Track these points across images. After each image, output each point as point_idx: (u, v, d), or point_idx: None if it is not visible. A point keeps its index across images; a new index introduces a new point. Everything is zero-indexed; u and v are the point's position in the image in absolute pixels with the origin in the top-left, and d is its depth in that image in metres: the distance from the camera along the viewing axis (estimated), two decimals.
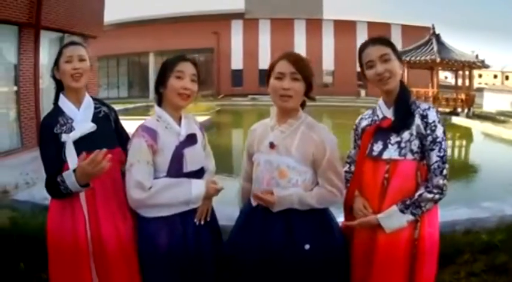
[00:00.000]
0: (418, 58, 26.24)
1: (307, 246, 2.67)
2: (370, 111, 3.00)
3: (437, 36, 27.07)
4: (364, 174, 2.81)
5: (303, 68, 2.71)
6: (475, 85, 43.65)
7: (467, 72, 28.13)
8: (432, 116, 2.69)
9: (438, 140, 2.66)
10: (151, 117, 2.95)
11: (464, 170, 13.03)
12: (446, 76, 50.88)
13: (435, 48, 26.01)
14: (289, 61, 2.70)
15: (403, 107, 2.75)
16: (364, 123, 2.97)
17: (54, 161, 2.85)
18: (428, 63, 26.56)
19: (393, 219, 2.63)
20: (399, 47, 28.21)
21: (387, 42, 2.79)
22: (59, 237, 2.88)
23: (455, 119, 23.91)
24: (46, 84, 13.46)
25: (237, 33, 44.58)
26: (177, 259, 2.78)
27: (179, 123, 2.94)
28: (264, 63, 40.47)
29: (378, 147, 2.78)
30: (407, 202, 2.62)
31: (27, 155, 9.94)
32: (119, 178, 2.92)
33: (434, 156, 2.65)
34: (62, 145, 2.86)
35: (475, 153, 16.49)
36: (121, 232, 2.87)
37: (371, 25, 43.60)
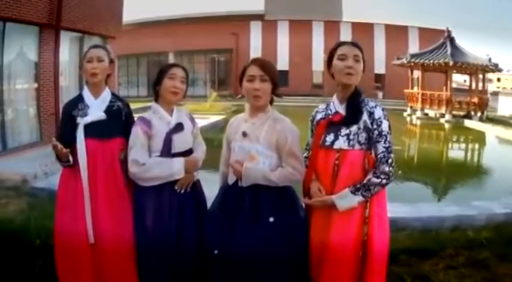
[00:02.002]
0: (432, 61, 26.38)
1: (271, 219, 3.14)
2: (324, 106, 3.43)
3: (452, 39, 27.15)
4: (318, 162, 3.24)
5: (269, 71, 3.22)
6: (493, 89, 43.30)
7: (480, 76, 28.18)
8: (378, 113, 3.14)
9: (384, 133, 3.10)
10: (149, 111, 3.61)
11: (472, 172, 13.36)
12: (465, 80, 50.47)
13: (449, 51, 26.11)
14: (257, 66, 3.21)
15: (354, 105, 3.19)
16: (318, 116, 3.40)
17: (66, 136, 3.54)
18: (442, 66, 26.69)
19: (346, 199, 3.05)
20: (416, 49, 28.28)
21: (360, 49, 3.23)
22: (61, 214, 3.60)
23: (467, 123, 24.09)
24: (66, 82, 13.91)
25: (255, 35, 44.67)
26: (163, 223, 3.40)
27: (171, 115, 3.58)
28: (282, 64, 40.64)
29: (330, 138, 3.21)
30: (358, 185, 3.04)
31: (47, 149, 10.14)
32: (117, 161, 3.55)
33: (380, 147, 3.09)
34: (76, 126, 3.52)
35: (486, 156, 16.76)
36: (116, 210, 3.52)
37: (388, 27, 43.48)
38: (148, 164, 3.39)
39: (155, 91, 3.60)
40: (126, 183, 3.54)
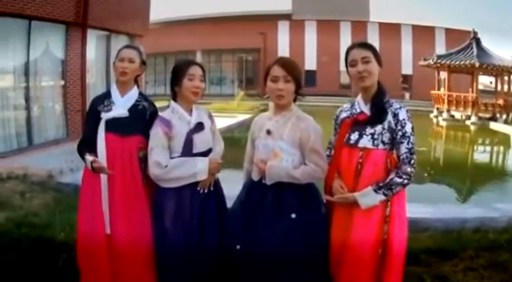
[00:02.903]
0: (458, 62, 26.03)
1: (293, 215, 3.20)
2: (349, 105, 3.46)
3: (478, 41, 26.68)
4: (341, 159, 3.29)
5: (293, 71, 3.26)
6: None
7: (506, 78, 27.71)
8: (402, 114, 3.18)
9: (407, 134, 3.14)
10: (168, 110, 3.60)
11: (496, 174, 13.26)
12: (491, 81, 49.75)
13: (475, 53, 25.68)
14: (281, 66, 3.26)
15: (378, 105, 3.24)
16: (343, 115, 3.44)
17: (90, 129, 3.67)
18: (468, 68, 26.30)
19: (368, 197, 3.10)
20: (443, 50, 27.76)
21: (369, 47, 3.29)
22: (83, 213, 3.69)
23: (493, 125, 23.73)
24: (93, 79, 14.14)
25: (283, 34, 44.59)
26: (183, 223, 3.41)
27: (190, 114, 3.57)
28: (310, 64, 40.82)
29: (354, 136, 3.25)
30: (380, 184, 3.09)
31: (73, 145, 10.24)
32: (135, 158, 3.60)
33: (403, 148, 3.12)
34: (99, 121, 3.63)
35: (510, 159, 16.66)
36: (133, 209, 3.58)
37: (415, 28, 43.07)
38: (170, 166, 3.39)
39: (173, 90, 3.62)
40: (144, 183, 3.59)
